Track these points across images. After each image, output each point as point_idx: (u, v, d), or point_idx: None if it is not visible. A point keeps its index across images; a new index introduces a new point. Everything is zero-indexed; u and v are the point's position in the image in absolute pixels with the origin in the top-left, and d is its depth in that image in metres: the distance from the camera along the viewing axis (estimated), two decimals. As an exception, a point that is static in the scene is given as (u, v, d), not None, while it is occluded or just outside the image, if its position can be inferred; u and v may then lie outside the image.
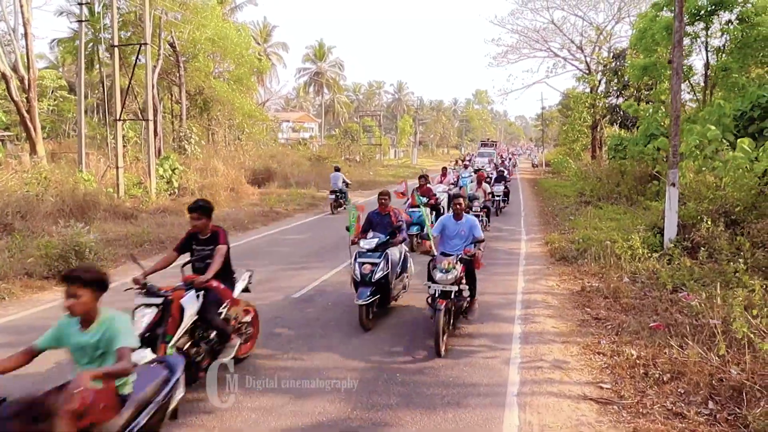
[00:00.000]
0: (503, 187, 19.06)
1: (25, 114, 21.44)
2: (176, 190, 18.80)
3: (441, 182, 16.48)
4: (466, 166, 26.73)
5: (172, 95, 32.27)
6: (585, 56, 38.15)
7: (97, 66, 30.86)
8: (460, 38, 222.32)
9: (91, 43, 28.95)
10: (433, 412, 4.75)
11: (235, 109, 30.15)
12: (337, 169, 18.82)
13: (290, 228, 15.10)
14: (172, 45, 27.76)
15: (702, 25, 20.80)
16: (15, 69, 21.82)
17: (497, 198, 18.12)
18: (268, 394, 5.03)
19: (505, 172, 23.31)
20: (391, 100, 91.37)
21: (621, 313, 7.35)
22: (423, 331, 6.77)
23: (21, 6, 20.98)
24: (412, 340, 6.48)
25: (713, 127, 13.83)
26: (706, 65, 21.75)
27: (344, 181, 18.61)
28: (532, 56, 40.09)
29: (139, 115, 27.78)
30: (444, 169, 18.46)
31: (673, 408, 4.72)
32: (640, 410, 4.72)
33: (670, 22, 20.49)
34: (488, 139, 62.94)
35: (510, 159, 39.90)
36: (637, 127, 24.41)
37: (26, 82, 21.61)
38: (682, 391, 4.99)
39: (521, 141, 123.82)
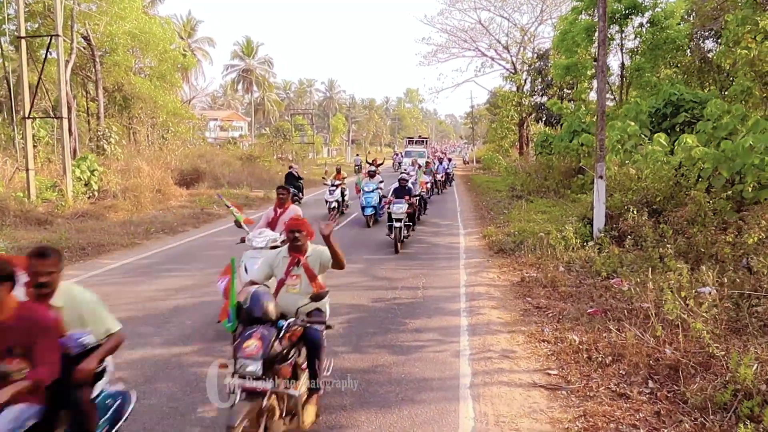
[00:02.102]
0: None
1: None
2: (96, 193, 17.53)
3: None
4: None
5: (87, 92, 30.13)
6: (511, 56, 39.58)
7: (0, 60, 28.25)
8: (391, 37, 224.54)
9: (-8, 35, 26.40)
10: (387, 410, 4.64)
11: (158, 107, 28.60)
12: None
13: (224, 229, 14.47)
14: (86, 38, 25.87)
15: (617, 27, 22.16)
16: None
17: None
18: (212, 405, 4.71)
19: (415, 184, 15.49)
20: (322, 98, 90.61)
21: (560, 301, 7.59)
22: (371, 328, 6.66)
23: None
24: (360, 338, 6.34)
25: (632, 123, 14.73)
26: (622, 65, 23.19)
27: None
28: (461, 56, 41.12)
29: (51, 112, 25.75)
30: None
31: (617, 389, 4.88)
32: (588, 393, 4.86)
33: (590, 24, 21.69)
34: (419, 135, 53.12)
35: (449, 162, 31.57)
36: (561, 125, 25.64)
37: None
38: (624, 373, 5.18)
39: (451, 140, 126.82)
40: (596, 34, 21.55)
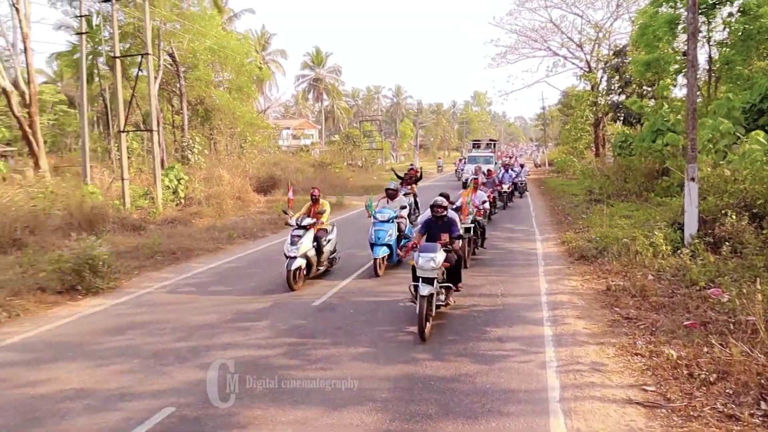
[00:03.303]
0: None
1: (27, 129, 21.33)
2: (182, 200, 18.63)
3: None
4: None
5: (172, 106, 32.16)
6: (585, 54, 38.04)
7: (97, 79, 30.79)
8: (458, 40, 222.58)
9: (90, 56, 28.84)
10: (474, 421, 4.57)
11: (237, 118, 30.03)
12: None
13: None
14: (171, 55, 27.67)
15: (703, 18, 20.72)
16: (15, 84, 21.72)
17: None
18: (301, 407, 4.85)
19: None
20: (389, 105, 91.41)
21: (652, 312, 7.17)
22: (451, 335, 6.60)
23: (20, 21, 20.90)
24: (441, 346, 6.29)
25: (726, 121, 13.70)
26: (709, 59, 21.66)
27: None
28: (531, 56, 39.94)
29: (142, 126, 27.70)
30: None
31: (725, 410, 4.54)
32: (691, 413, 4.54)
33: (673, 17, 20.46)
34: (489, 139, 46.66)
35: (521, 168, 25.76)
36: (642, 124, 24.30)
37: (27, 97, 21.51)
38: (731, 392, 4.80)
39: (520, 142, 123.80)
40: (680, 26, 20.37)
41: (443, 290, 7.10)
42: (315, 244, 9.30)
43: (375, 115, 76.12)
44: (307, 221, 9.31)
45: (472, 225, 10.69)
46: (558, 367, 5.63)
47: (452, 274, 7.26)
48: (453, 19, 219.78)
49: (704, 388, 4.91)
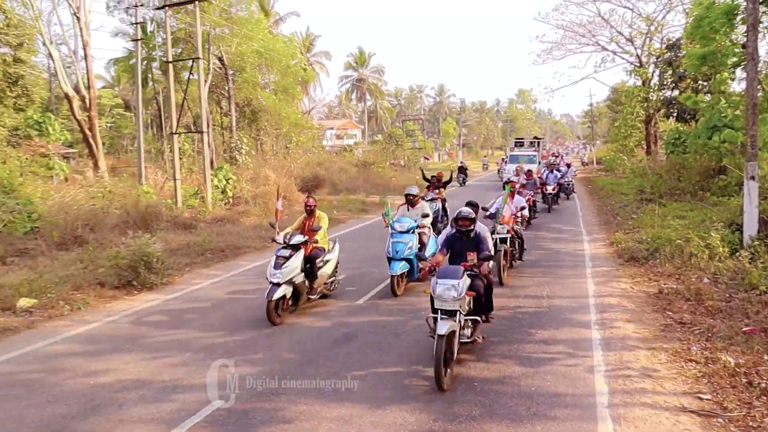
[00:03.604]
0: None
1: (87, 132, 22.50)
2: (230, 200, 19.19)
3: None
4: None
5: (221, 108, 33.14)
6: (635, 48, 36.69)
7: (151, 83, 32.08)
8: (501, 38, 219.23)
9: (145, 61, 30.09)
10: (519, 424, 4.52)
11: (282, 119, 30.63)
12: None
13: (344, 234, 15.08)
14: (220, 59, 28.50)
15: (764, 9, 19.60)
16: (77, 89, 22.94)
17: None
18: (345, 404, 4.92)
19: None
20: (432, 104, 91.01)
21: (707, 316, 6.89)
22: (495, 336, 6.54)
23: (81, 30, 22.05)
24: (485, 347, 6.24)
25: (790, 116, 12.96)
26: (772, 51, 20.50)
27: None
28: (578, 51, 38.84)
29: (193, 128, 28.68)
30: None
31: (788, 421, 4.31)
32: (750, 424, 4.35)
33: (731, 7, 19.45)
34: (534, 137, 41.90)
35: (568, 168, 24.04)
36: (697, 120, 23.26)
37: (87, 101, 22.69)
38: (794, 403, 4.56)
39: (567, 140, 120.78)
40: (739, 17, 19.33)
41: (469, 323, 5.75)
42: (307, 266, 7.59)
43: (418, 115, 76.05)
44: (297, 239, 7.46)
45: (508, 235, 9.43)
46: (607, 372, 5.49)
47: (481, 302, 5.89)
48: (497, 16, 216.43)
49: (764, 398, 4.68)
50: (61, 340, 6.88)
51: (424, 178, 14.58)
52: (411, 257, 8.61)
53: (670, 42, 33.35)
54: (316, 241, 7.85)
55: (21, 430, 4.54)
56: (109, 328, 7.39)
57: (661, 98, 33.58)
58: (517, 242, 10.04)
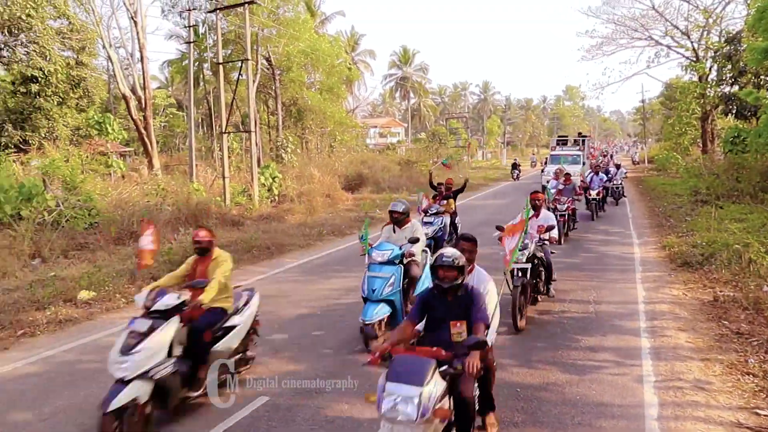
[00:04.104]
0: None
1: (143, 131, 23.49)
2: (276, 198, 19.62)
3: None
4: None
5: (268, 107, 33.90)
6: (692, 42, 35.10)
7: (202, 83, 33.18)
8: (548, 34, 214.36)
9: (197, 62, 31.14)
10: (563, 433, 4.44)
11: (327, 118, 31.06)
12: None
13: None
14: (267, 59, 29.15)
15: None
16: (133, 90, 23.98)
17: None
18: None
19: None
20: (476, 101, 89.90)
21: (767, 327, 6.54)
22: (539, 342, 6.44)
23: (137, 33, 23.02)
24: (528, 352, 6.16)
25: None
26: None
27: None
28: (630, 46, 37.53)
29: (241, 127, 29.48)
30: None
31: None
32: (813, 443, 4.12)
33: (800, -3, 18.33)
34: (579, 134, 36.38)
35: (618, 170, 21.58)
36: (758, 117, 22.06)
37: (143, 101, 23.67)
38: None
39: (617, 138, 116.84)
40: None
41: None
42: (189, 344, 4.79)
43: (461, 113, 75.33)
44: (168, 301, 4.58)
45: (528, 265, 6.89)
46: (656, 383, 5.31)
47: (462, 411, 3.51)
48: (543, 12, 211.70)
49: (830, 417, 4.42)
50: (118, 332, 7.22)
51: (431, 185, 12.38)
52: (393, 298, 6.22)
53: (730, 35, 31.70)
54: (203, 305, 4.84)
55: (81, 418, 4.82)
56: (161, 321, 7.71)
57: (719, 94, 32.01)
58: (541, 271, 7.51)
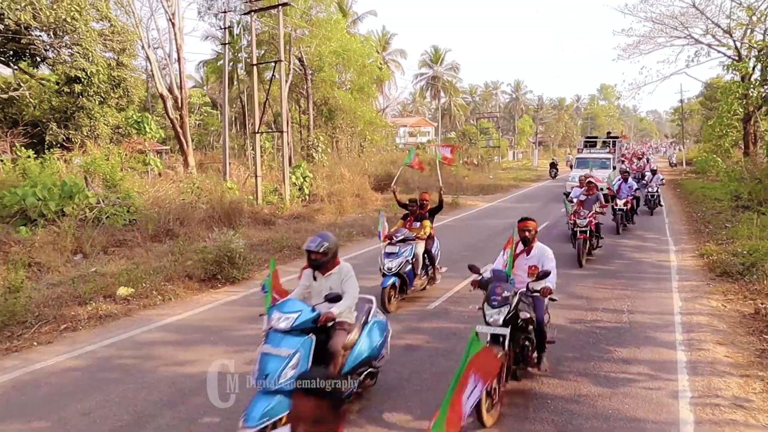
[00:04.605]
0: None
1: (179, 129, 24.07)
2: (307, 197, 19.83)
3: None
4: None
5: (299, 106, 34.28)
6: (734, 41, 33.89)
7: (236, 83, 33.77)
8: (582, 32, 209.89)
9: (231, 63, 31.70)
10: (595, 447, 4.38)
11: (357, 117, 31.21)
12: None
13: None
14: (299, 59, 29.47)
15: None
16: (170, 90, 24.58)
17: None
18: (414, 411, 4.98)
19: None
20: (508, 101, 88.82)
21: (812, 343, 6.30)
22: (570, 352, 6.35)
23: (175, 34, 23.58)
24: (559, 362, 6.08)
25: None
26: None
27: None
28: (668, 45, 36.43)
29: (273, 126, 29.90)
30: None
31: None
32: None
33: None
34: (607, 134, 33.30)
35: (653, 176, 19.20)
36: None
37: (179, 100, 24.26)
38: None
39: (653, 139, 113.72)
40: None
41: None
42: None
43: (492, 112, 74.53)
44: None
45: (506, 330, 4.83)
46: (692, 399, 5.18)
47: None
48: (577, 10, 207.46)
49: None
50: (154, 329, 7.47)
51: (399, 204, 9.85)
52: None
53: (776, 33, 30.52)
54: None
55: (120, 414, 5.00)
56: (196, 319, 7.92)
57: (763, 95, 30.82)
58: (529, 338, 5.33)
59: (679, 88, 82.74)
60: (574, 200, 11.94)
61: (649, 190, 18.38)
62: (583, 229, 10.94)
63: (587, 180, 12.72)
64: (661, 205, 19.06)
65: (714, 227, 14.65)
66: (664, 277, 9.96)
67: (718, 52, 35.03)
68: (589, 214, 11.13)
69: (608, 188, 14.41)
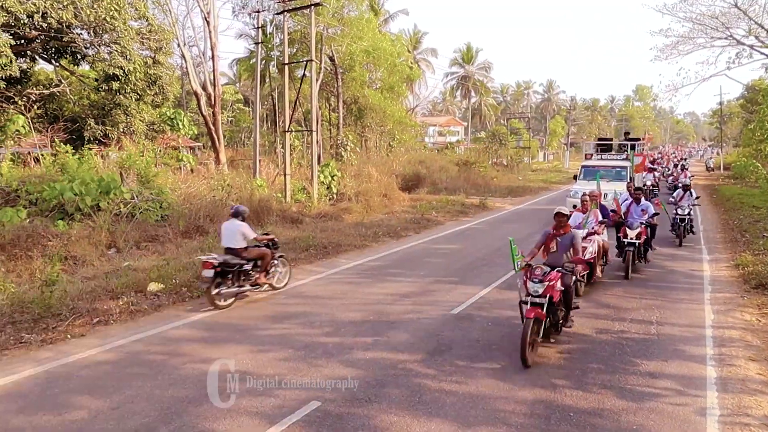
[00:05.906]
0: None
1: (211, 126, 24.53)
2: (335, 196, 19.97)
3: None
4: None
5: (329, 104, 34.51)
6: (778, 42, 32.61)
7: (268, 80, 34.20)
8: (617, 32, 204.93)
9: (263, 61, 32.12)
10: (617, 464, 4.31)
11: (387, 116, 31.25)
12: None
13: (441, 237, 15.13)
14: (330, 58, 29.67)
15: None
16: (204, 87, 25.07)
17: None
18: (434, 419, 4.99)
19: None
20: (540, 101, 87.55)
21: None
22: (595, 363, 6.25)
23: (210, 33, 24.02)
24: (583, 374, 5.99)
25: None
26: None
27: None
28: (708, 46, 35.09)
29: (303, 124, 30.19)
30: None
31: None
32: None
33: None
34: (625, 135, 28.00)
35: (686, 194, 14.70)
36: None
37: (212, 98, 24.71)
38: None
39: (690, 142, 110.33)
40: None
41: None
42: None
43: (523, 112, 73.58)
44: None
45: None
46: (721, 417, 5.04)
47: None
48: (611, 7, 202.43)
49: None
50: (181, 325, 7.66)
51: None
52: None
53: (825, 35, 29.20)
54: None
55: (147, 410, 5.15)
56: (222, 317, 8.08)
57: (810, 99, 29.60)
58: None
59: (718, 90, 79.88)
60: (572, 230, 7.43)
61: (679, 211, 14.09)
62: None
63: (582, 195, 10.17)
64: (693, 232, 14.86)
65: (751, 236, 14.17)
66: (696, 288, 9.69)
67: (761, 53, 33.71)
68: (593, 244, 9.13)
69: (612, 212, 10.93)
